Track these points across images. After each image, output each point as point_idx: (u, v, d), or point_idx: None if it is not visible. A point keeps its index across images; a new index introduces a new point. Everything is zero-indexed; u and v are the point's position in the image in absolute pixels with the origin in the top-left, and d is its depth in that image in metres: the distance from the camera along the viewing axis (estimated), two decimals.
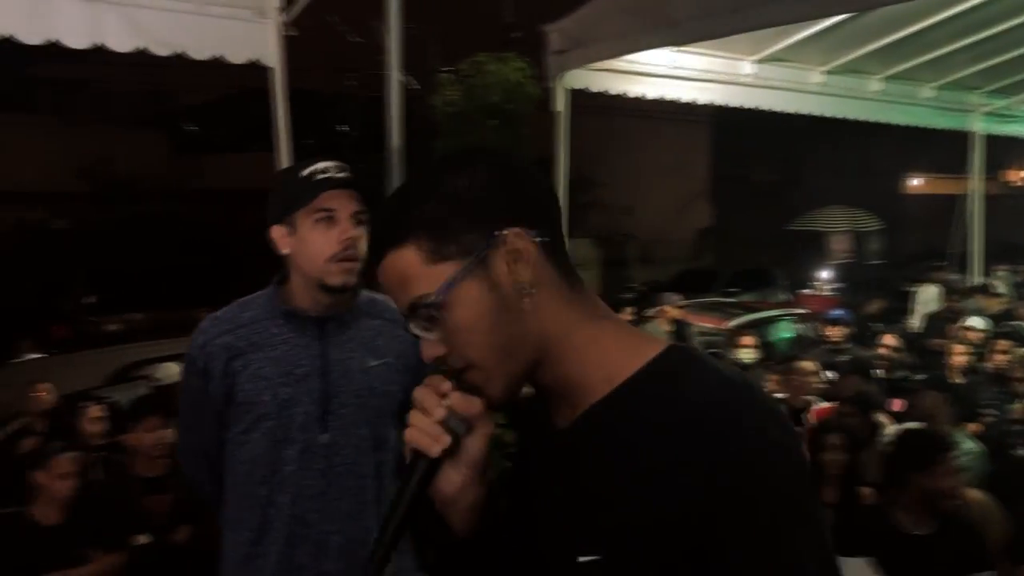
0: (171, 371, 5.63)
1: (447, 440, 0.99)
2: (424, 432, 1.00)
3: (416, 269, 0.98)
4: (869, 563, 2.91)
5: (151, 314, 13.40)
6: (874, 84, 7.14)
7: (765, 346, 8.51)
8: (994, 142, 8.86)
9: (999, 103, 8.33)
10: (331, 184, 2.03)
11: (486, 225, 0.98)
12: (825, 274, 18.89)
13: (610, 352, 1.01)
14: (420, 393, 1.01)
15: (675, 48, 5.61)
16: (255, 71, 4.00)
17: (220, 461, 2.16)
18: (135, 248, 16.02)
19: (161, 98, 21.29)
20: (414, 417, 1.01)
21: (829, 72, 6.72)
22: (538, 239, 1.00)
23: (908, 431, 3.80)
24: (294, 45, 4.21)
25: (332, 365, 2.10)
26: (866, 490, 3.70)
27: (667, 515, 0.90)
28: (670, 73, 5.81)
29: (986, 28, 6.22)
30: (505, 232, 0.98)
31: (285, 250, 2.10)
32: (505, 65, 4.16)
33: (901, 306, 11.21)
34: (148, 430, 4.11)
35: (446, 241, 0.98)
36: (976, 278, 9.29)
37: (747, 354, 6.16)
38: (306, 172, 2.04)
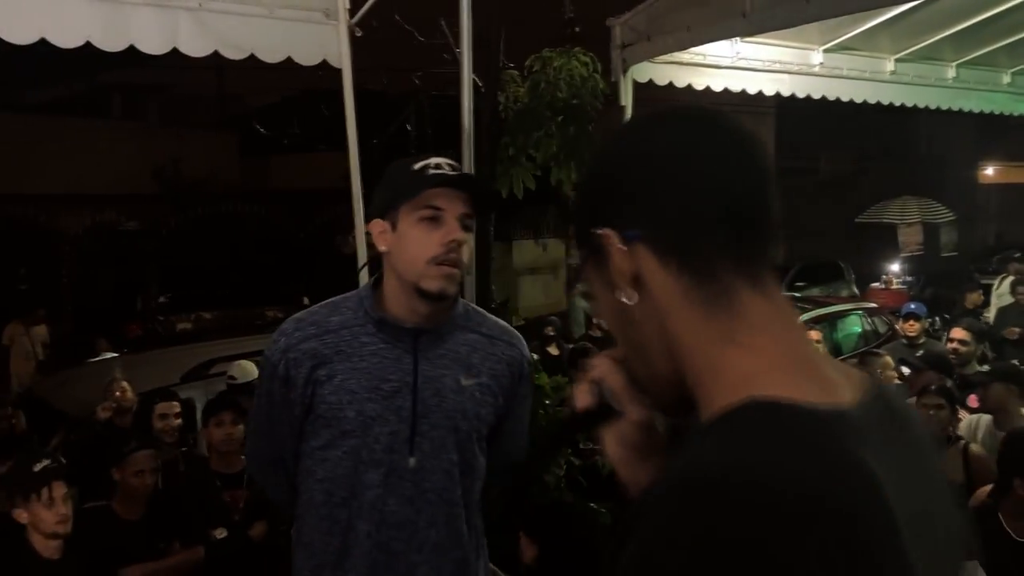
0: (248, 369, 5.74)
1: (589, 400, 0.98)
2: (580, 389, 1.00)
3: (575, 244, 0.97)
4: (976, 566, 2.82)
5: (220, 313, 13.69)
6: (948, 71, 6.94)
7: (832, 341, 8.35)
8: None
9: None
10: (442, 180, 1.87)
11: (589, 220, 0.90)
12: (895, 267, 18.47)
13: (717, 384, 0.83)
14: (597, 355, 1.01)
15: (743, 39, 5.52)
16: (320, 72, 4.05)
17: (294, 472, 2.02)
18: (204, 248, 16.42)
19: (229, 101, 21.77)
20: (582, 375, 1.02)
21: (900, 60, 6.55)
22: (636, 242, 0.86)
23: (1014, 434, 3.64)
24: (360, 46, 4.25)
25: (424, 382, 1.94)
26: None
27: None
28: (736, 64, 5.72)
29: None
30: (597, 232, 0.88)
31: (383, 247, 1.94)
32: (571, 60, 4.14)
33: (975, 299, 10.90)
34: (220, 426, 4.19)
35: (579, 228, 0.93)
36: None
37: None
38: (418, 166, 1.89)
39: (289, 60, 4.12)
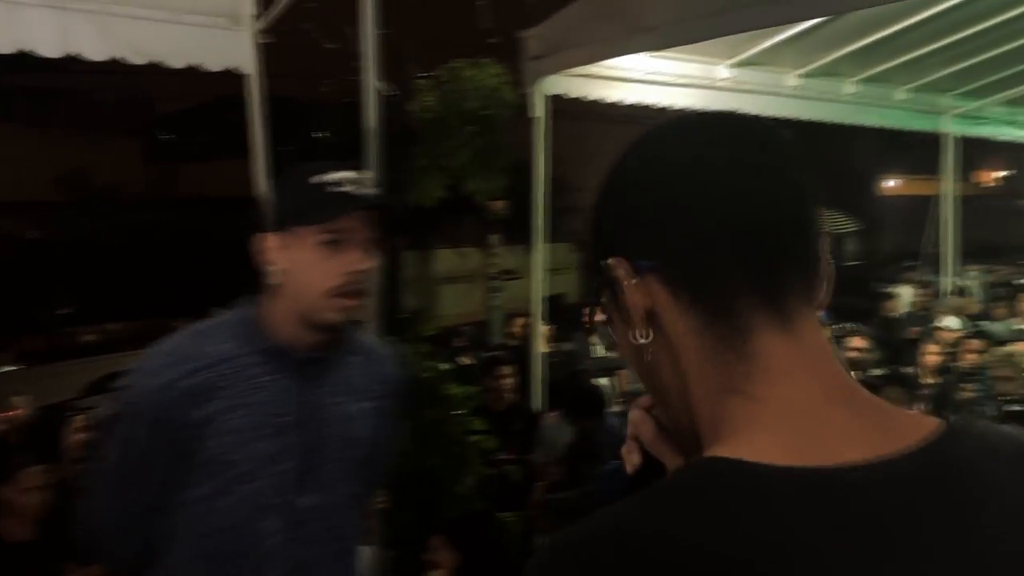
0: None
1: (637, 460, 0.87)
2: (627, 449, 0.89)
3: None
4: None
5: (128, 324, 13.31)
6: (849, 87, 7.21)
7: None
8: (969, 144, 8.96)
9: (971, 105, 8.43)
10: (349, 204, 1.66)
11: (602, 248, 0.79)
12: None
13: (708, 436, 0.74)
14: (631, 405, 0.90)
15: (652, 53, 5.63)
16: (230, 79, 3.99)
17: (155, 527, 1.75)
18: (111, 258, 15.92)
19: (137, 106, 21.18)
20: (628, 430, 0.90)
21: (804, 75, 6.78)
22: (647, 273, 0.75)
23: None
24: (270, 52, 4.20)
25: (314, 413, 1.77)
26: None
27: None
28: (646, 78, 5.84)
29: (957, 31, 6.30)
30: (608, 262, 0.77)
31: (274, 266, 1.71)
32: (481, 71, 4.16)
33: (875, 307, 11.31)
34: None
35: (592, 257, 0.81)
36: (949, 279, 9.39)
37: None
38: (317, 180, 1.67)
39: (195, 66, 4.04)
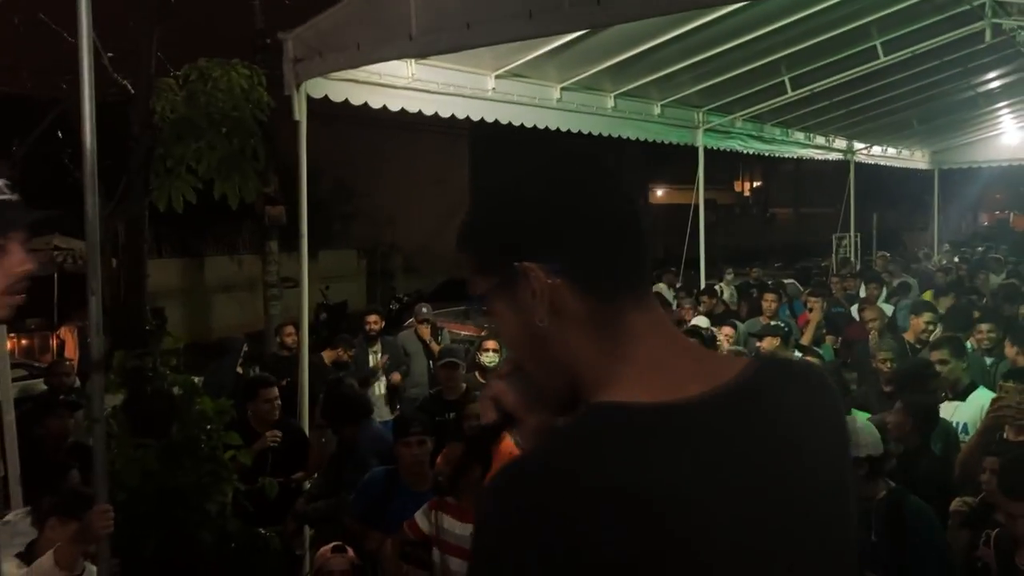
0: None
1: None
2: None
3: (473, 270, 1.10)
4: None
5: None
6: (608, 100, 7.57)
7: None
8: (736, 156, 9.58)
9: (718, 120, 9.10)
10: (13, 226, 1.69)
11: (509, 255, 1.04)
12: None
13: (596, 392, 1.03)
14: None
15: (418, 61, 5.65)
16: None
17: None
18: None
19: None
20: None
21: (566, 88, 7.04)
22: (559, 277, 1.02)
23: None
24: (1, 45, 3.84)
25: None
26: None
27: None
28: (411, 86, 5.84)
29: (705, 50, 6.78)
30: (522, 266, 1.03)
31: None
32: (232, 72, 4.00)
33: None
34: None
35: (483, 260, 1.09)
36: (703, 281, 10.08)
37: (489, 358, 6.32)
38: None
39: None
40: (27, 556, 3.24)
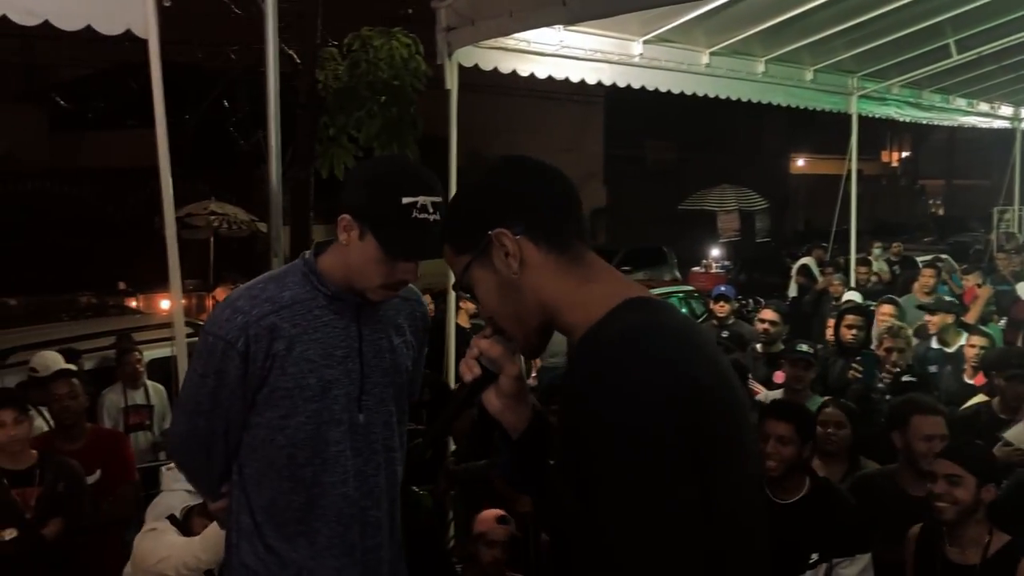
0: (50, 360, 5.37)
1: (477, 371, 1.41)
2: (466, 364, 1.41)
3: (451, 259, 1.43)
4: None
5: (25, 299, 12.76)
6: (758, 66, 7.33)
7: None
8: (883, 124, 9.17)
9: (873, 86, 8.68)
10: (421, 250, 2.00)
11: (481, 228, 1.36)
12: (715, 252, 19.39)
13: (589, 307, 1.33)
14: (474, 338, 1.43)
15: (566, 27, 5.62)
16: (126, 43, 3.81)
17: (234, 448, 2.12)
18: (10, 229, 15.23)
19: (38, 72, 20.22)
20: (467, 354, 1.43)
21: (715, 53, 6.86)
22: (521, 234, 1.35)
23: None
24: (175, 17, 4.03)
25: (367, 346, 2.15)
26: None
27: (564, 427, 1.32)
28: (560, 52, 5.82)
29: (862, 13, 6.47)
30: (491, 233, 1.35)
31: (343, 240, 2.05)
32: (392, 41, 4.07)
33: (785, 282, 11.62)
34: (1, 427, 3.82)
35: (461, 241, 1.40)
36: (853, 255, 9.69)
37: None
38: (407, 201, 1.97)
39: (91, 29, 3.85)
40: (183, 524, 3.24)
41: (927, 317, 6.26)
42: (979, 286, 8.26)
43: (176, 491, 3.43)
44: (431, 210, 1.99)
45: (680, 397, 1.19)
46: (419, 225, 1.98)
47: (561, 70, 5.98)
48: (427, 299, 8.11)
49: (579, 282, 1.36)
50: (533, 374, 7.60)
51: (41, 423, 4.86)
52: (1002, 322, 7.30)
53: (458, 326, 7.20)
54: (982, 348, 5.41)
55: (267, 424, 2.08)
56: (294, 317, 2.06)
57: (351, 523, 2.14)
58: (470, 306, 7.92)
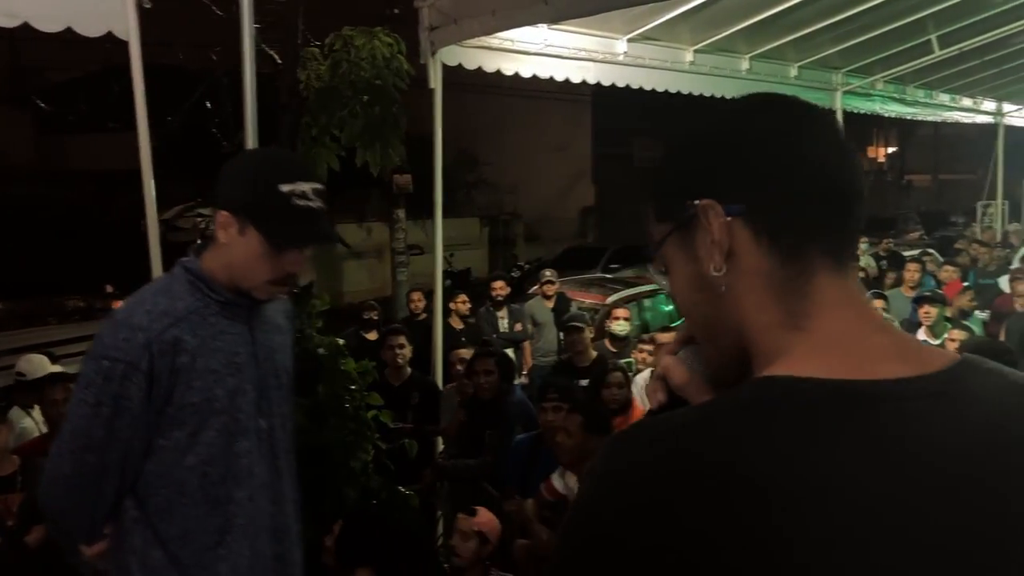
0: (37, 364, 5.36)
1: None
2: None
3: (650, 221, 0.98)
4: None
5: (12, 303, 12.69)
6: (742, 63, 7.36)
7: (641, 320, 8.72)
8: (869, 120, 9.20)
9: (857, 82, 8.72)
10: (308, 236, 2.01)
11: (686, 193, 0.91)
12: None
13: (763, 365, 0.87)
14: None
15: (549, 26, 5.63)
16: (118, 46, 3.79)
17: (131, 481, 1.95)
18: None
19: (25, 74, 20.12)
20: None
21: (698, 51, 6.88)
22: (737, 216, 0.87)
23: None
24: (156, 19, 4.02)
25: (260, 350, 2.10)
26: None
27: None
28: (544, 51, 5.83)
29: (844, 10, 6.50)
30: (700, 204, 0.89)
31: (223, 239, 1.98)
32: (374, 40, 4.07)
33: None
34: None
35: (663, 203, 0.96)
36: None
37: (620, 326, 6.29)
38: (286, 189, 1.92)
39: (71, 31, 3.84)
40: None
41: (921, 308, 6.31)
42: (963, 282, 8.34)
43: None
44: (311, 196, 1.95)
45: None
46: (300, 212, 1.93)
47: (545, 69, 5.99)
48: (417, 297, 8.19)
49: (781, 320, 0.87)
50: (524, 372, 7.60)
51: (31, 424, 4.85)
52: (984, 315, 7.33)
53: (450, 326, 7.22)
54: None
55: (174, 446, 1.96)
56: (193, 328, 1.96)
57: (263, 533, 2.09)
58: (462, 307, 7.92)
